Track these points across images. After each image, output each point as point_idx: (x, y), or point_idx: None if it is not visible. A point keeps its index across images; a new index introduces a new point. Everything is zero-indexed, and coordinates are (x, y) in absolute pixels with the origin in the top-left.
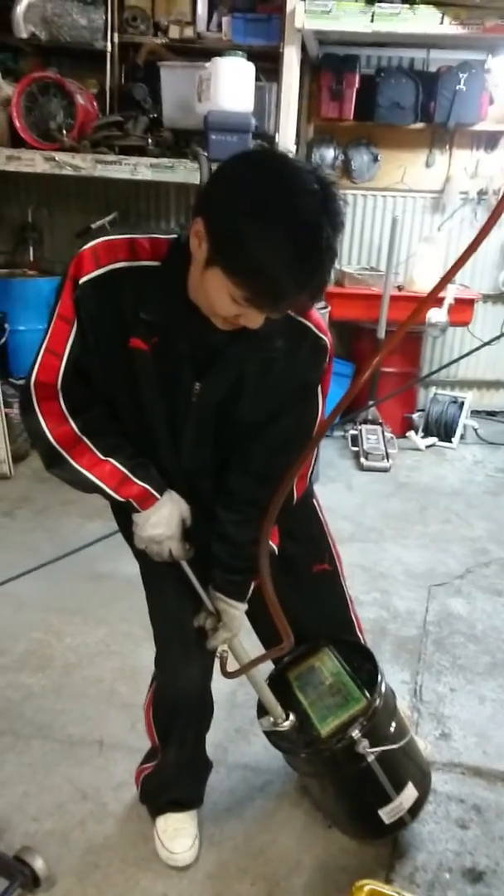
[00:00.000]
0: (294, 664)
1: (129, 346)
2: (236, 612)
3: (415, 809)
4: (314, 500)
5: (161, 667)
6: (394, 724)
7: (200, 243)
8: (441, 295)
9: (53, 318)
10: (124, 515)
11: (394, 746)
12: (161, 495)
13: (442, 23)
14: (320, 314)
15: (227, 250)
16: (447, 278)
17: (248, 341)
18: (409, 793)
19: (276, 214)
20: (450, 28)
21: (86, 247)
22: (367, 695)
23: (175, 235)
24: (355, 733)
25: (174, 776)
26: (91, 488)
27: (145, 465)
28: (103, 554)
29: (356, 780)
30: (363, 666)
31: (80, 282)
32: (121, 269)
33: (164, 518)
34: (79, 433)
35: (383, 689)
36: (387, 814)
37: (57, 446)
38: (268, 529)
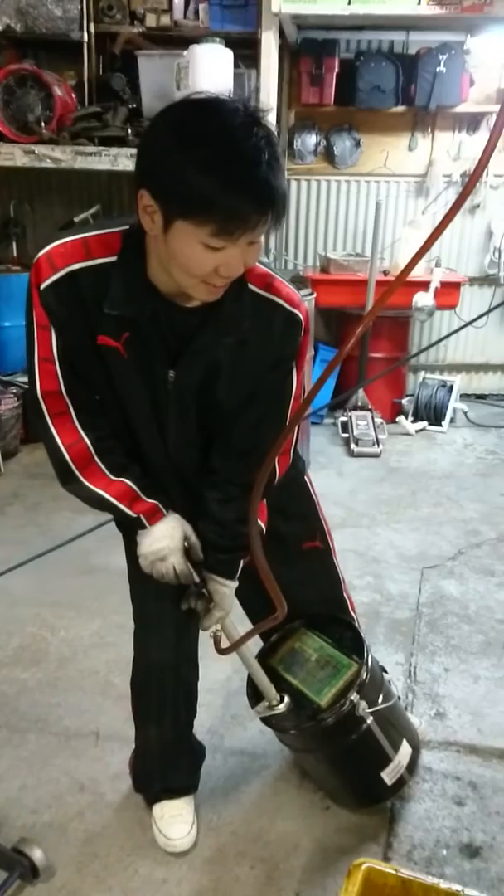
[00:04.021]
0: (273, 651)
1: (98, 343)
2: (227, 590)
3: (411, 766)
4: (306, 478)
5: (136, 641)
6: (383, 685)
7: (152, 215)
8: (427, 279)
9: (34, 330)
10: (133, 558)
11: (388, 704)
12: (167, 512)
13: (420, 3)
14: (302, 297)
15: (178, 195)
16: (414, 261)
17: (217, 326)
18: (405, 750)
19: (207, 136)
20: (427, 9)
21: (40, 253)
22: (357, 658)
23: (127, 227)
24: (354, 696)
25: (159, 759)
26: (104, 506)
27: (153, 486)
28: (95, 547)
29: (357, 745)
30: (345, 635)
31: (41, 287)
32: (77, 270)
33: (168, 531)
34: (93, 451)
35: (369, 650)
36: (388, 774)
37: (71, 463)
38: (255, 505)
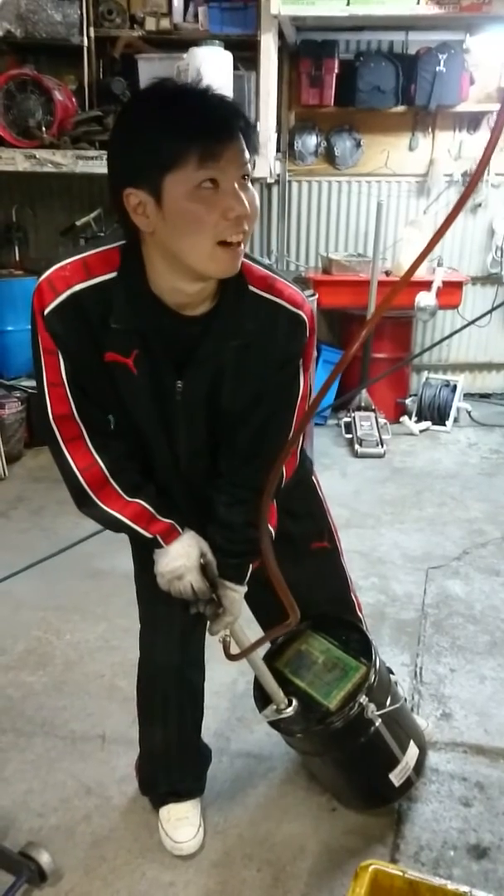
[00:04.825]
0: (279, 654)
1: (106, 361)
2: (236, 595)
3: (418, 767)
4: (313, 478)
5: (141, 643)
6: (391, 687)
7: (144, 208)
8: (429, 279)
9: (41, 356)
10: (141, 559)
11: (396, 706)
12: (182, 531)
13: (418, 3)
14: (305, 297)
15: (153, 159)
16: (418, 262)
17: (220, 331)
18: (412, 751)
19: (152, 102)
20: (426, 8)
21: (41, 279)
22: (365, 661)
23: (124, 241)
24: (363, 699)
25: (165, 760)
26: (120, 527)
27: (167, 505)
28: (100, 550)
29: (366, 747)
30: (351, 637)
31: (45, 313)
32: (80, 290)
33: (184, 550)
34: (107, 473)
35: (377, 652)
36: (396, 776)
37: (86, 487)
38: (265, 510)
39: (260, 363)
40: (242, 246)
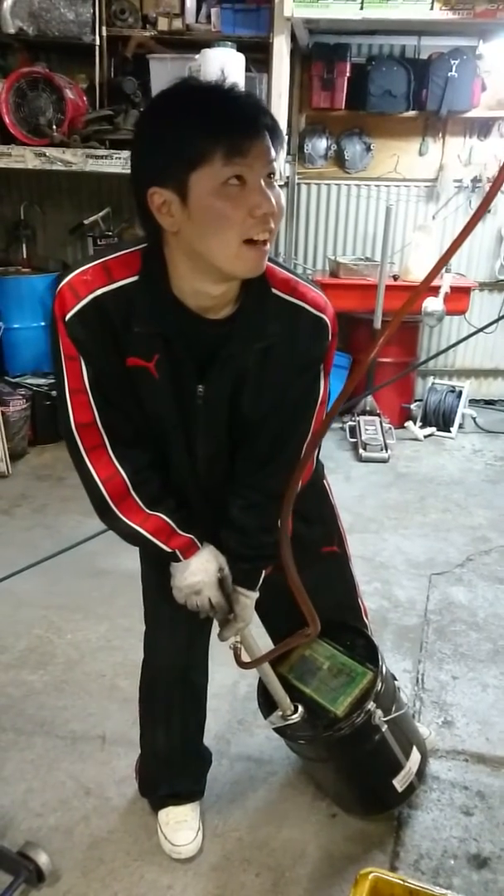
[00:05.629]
0: (282, 659)
1: (127, 365)
2: (248, 601)
3: (420, 772)
4: (325, 482)
5: (146, 643)
6: (395, 693)
7: (169, 207)
8: (437, 284)
9: (62, 363)
10: (148, 559)
11: (401, 711)
12: (202, 545)
13: (432, 8)
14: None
15: (179, 156)
16: (440, 266)
17: (243, 333)
18: (415, 756)
19: (176, 101)
20: (440, 14)
21: (62, 284)
22: (371, 667)
23: (145, 244)
24: (371, 705)
25: (166, 764)
26: (139, 540)
27: (187, 518)
28: (103, 550)
29: (372, 753)
30: (356, 642)
31: (67, 318)
32: (102, 295)
33: (203, 565)
34: (129, 485)
35: (383, 658)
36: (399, 781)
37: (108, 498)
38: (285, 517)
39: (282, 366)
40: (268, 245)
